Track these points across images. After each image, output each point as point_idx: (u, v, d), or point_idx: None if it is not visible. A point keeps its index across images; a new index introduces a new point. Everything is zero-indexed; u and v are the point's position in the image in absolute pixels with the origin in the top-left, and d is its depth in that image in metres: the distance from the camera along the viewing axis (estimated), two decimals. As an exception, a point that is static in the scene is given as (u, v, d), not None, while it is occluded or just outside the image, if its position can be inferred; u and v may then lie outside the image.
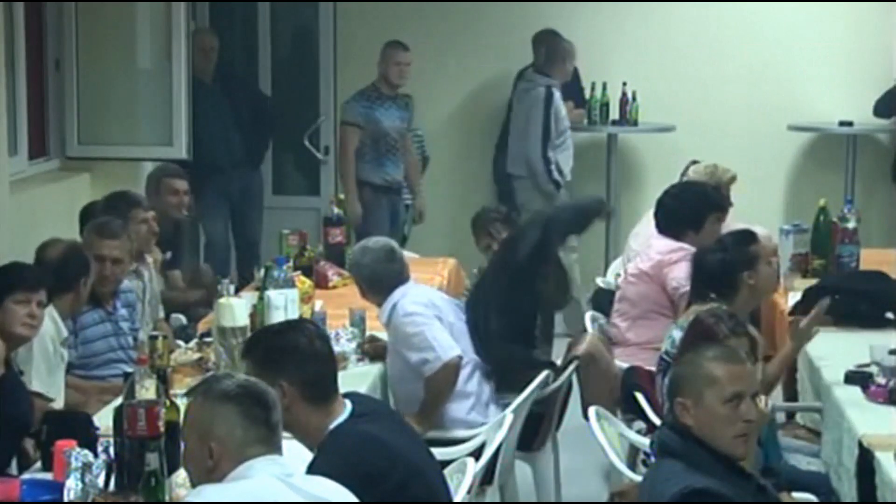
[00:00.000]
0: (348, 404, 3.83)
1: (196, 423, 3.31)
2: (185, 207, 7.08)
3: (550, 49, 9.17)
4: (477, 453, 4.70)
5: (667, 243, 6.20)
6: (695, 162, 7.27)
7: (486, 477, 4.86)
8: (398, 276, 5.54)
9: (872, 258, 6.62)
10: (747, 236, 5.56)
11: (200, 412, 3.30)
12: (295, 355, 3.80)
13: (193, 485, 3.35)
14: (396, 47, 8.89)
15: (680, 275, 5.98)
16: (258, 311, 5.47)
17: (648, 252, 6.26)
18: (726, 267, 5.40)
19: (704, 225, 6.22)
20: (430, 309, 5.44)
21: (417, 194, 9.19)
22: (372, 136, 8.69)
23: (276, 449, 3.31)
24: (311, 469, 3.56)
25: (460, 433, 5.22)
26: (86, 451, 3.89)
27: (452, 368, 5.34)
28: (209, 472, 3.25)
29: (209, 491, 3.20)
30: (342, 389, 3.89)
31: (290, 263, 6.27)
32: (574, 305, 7.49)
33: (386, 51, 8.86)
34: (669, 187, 6.62)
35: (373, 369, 5.45)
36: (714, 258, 5.48)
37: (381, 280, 5.53)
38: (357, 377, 5.19)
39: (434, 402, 5.35)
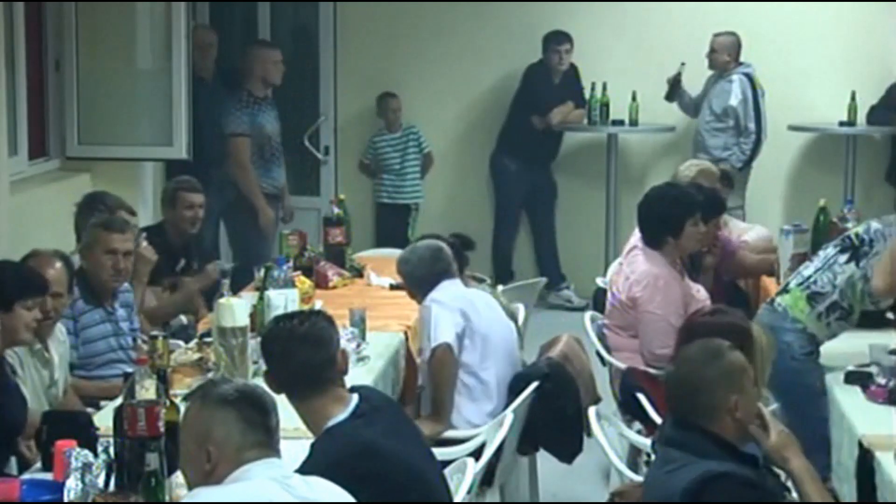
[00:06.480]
0: (353, 400, 3.80)
1: (194, 427, 3.31)
2: (199, 221, 7.05)
3: None
4: (477, 453, 4.70)
5: (633, 287, 5.94)
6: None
7: (486, 478, 4.85)
8: (441, 275, 5.50)
9: (872, 258, 6.60)
10: None
11: (198, 417, 3.30)
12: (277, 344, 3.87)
13: (190, 489, 3.34)
14: (268, 46, 8.61)
15: (649, 340, 5.84)
16: (258, 311, 5.47)
17: (625, 286, 6.01)
18: None
19: (684, 229, 5.95)
20: (457, 301, 5.39)
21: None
22: (257, 144, 8.46)
23: (274, 452, 3.31)
24: (303, 467, 3.53)
25: (461, 433, 5.21)
26: (86, 451, 3.89)
27: (441, 354, 5.29)
28: (206, 475, 3.25)
29: (205, 493, 3.20)
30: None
31: (291, 263, 6.27)
32: None
33: (258, 51, 8.58)
34: (647, 192, 6.29)
35: (373, 370, 5.44)
36: None
37: (423, 280, 5.51)
38: (357, 378, 5.17)
39: (436, 391, 5.31)
